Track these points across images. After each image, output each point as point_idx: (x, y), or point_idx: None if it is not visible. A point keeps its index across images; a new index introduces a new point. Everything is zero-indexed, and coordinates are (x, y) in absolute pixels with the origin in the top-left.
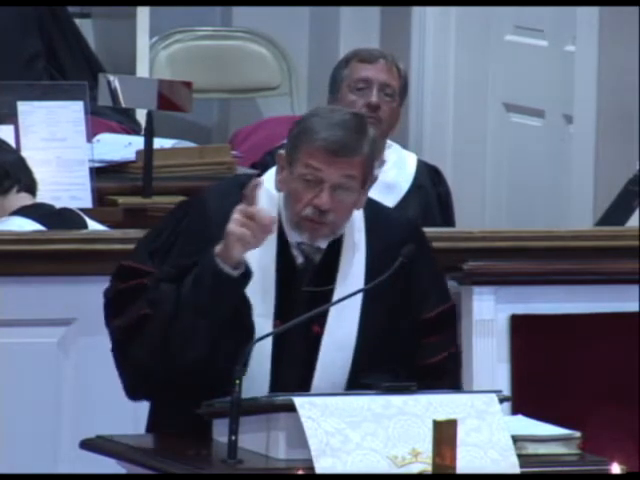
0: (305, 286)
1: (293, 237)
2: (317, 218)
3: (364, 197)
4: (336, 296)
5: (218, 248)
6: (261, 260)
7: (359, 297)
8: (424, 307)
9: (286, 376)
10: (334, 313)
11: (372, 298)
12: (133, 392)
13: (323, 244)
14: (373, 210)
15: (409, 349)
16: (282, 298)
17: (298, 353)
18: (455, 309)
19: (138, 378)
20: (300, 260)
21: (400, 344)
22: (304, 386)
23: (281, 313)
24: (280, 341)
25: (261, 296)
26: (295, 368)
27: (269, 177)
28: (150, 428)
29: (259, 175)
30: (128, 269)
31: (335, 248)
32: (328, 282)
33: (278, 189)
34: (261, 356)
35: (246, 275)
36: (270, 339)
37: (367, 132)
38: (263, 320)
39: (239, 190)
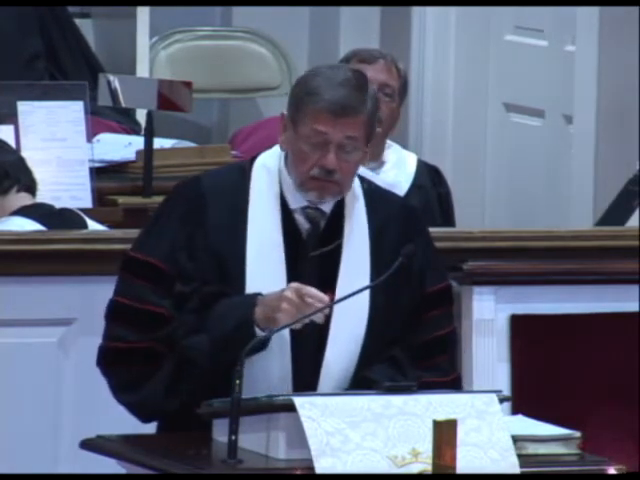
0: (312, 251)
1: (296, 202)
2: (324, 177)
3: (367, 154)
4: (345, 251)
5: (259, 313)
6: (267, 231)
7: (366, 272)
8: (426, 282)
9: (300, 346)
10: (345, 282)
11: (378, 276)
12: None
13: (328, 206)
14: (369, 184)
15: (413, 324)
16: (291, 267)
17: (309, 325)
18: (452, 289)
19: (138, 406)
20: (306, 226)
21: (406, 319)
22: (318, 356)
23: (293, 281)
24: None
25: (271, 267)
26: (309, 337)
27: (267, 155)
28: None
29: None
30: (135, 261)
31: (335, 210)
32: (333, 241)
33: (282, 149)
34: (281, 340)
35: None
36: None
37: (368, 88)
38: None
39: (236, 172)
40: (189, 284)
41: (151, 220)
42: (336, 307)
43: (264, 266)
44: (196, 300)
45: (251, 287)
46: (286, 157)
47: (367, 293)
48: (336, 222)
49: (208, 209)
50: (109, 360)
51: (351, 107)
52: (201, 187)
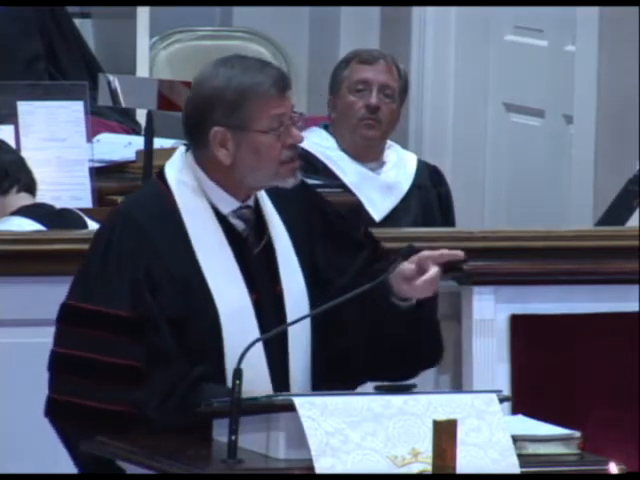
0: (254, 248)
1: (226, 207)
2: (292, 156)
3: None
4: (275, 242)
5: None
6: (213, 243)
7: (291, 253)
8: (354, 233)
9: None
10: (285, 271)
11: (300, 249)
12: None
13: (252, 201)
14: None
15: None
16: (243, 269)
17: (271, 314)
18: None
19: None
20: (242, 227)
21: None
22: (282, 343)
23: (250, 283)
24: (257, 313)
25: (229, 276)
26: (273, 327)
27: (175, 170)
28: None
29: None
30: (90, 314)
31: (256, 204)
32: (262, 233)
33: (228, 164)
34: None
35: None
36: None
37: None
38: (241, 297)
39: (155, 195)
40: (157, 332)
41: (93, 266)
42: (286, 307)
43: (223, 276)
44: (176, 367)
45: (219, 300)
46: (203, 167)
47: (300, 277)
48: (261, 215)
49: (153, 239)
50: (69, 418)
51: (288, 78)
52: (136, 219)
